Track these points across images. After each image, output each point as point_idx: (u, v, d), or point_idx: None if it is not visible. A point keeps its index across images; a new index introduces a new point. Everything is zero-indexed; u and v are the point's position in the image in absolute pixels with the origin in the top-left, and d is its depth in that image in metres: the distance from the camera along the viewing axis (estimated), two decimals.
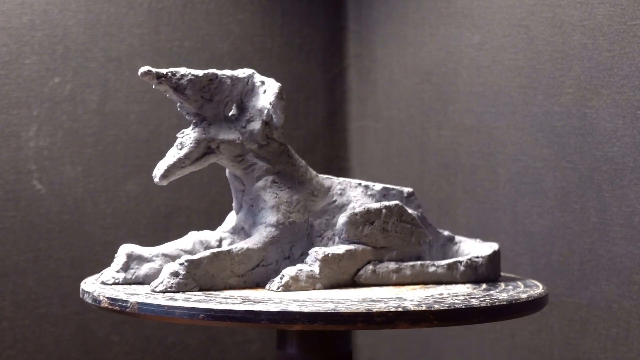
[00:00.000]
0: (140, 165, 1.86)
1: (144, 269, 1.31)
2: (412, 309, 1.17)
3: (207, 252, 1.28)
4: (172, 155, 1.32)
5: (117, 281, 1.31)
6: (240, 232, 1.37)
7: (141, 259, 1.32)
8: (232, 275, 1.29)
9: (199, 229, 1.91)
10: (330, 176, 1.41)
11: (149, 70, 1.28)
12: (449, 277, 1.38)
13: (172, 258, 1.32)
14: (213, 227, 1.93)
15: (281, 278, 1.30)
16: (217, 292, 1.26)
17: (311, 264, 1.31)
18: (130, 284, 1.31)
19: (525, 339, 1.76)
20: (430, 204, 1.91)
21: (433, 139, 1.91)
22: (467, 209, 1.85)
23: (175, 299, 1.20)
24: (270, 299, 1.23)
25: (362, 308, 1.17)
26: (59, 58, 1.79)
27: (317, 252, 1.32)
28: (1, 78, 1.74)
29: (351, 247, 1.34)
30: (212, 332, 1.93)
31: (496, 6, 1.79)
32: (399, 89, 1.98)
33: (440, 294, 1.28)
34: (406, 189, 1.43)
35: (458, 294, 1.29)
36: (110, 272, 1.32)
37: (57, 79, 1.79)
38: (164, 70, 1.30)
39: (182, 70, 1.31)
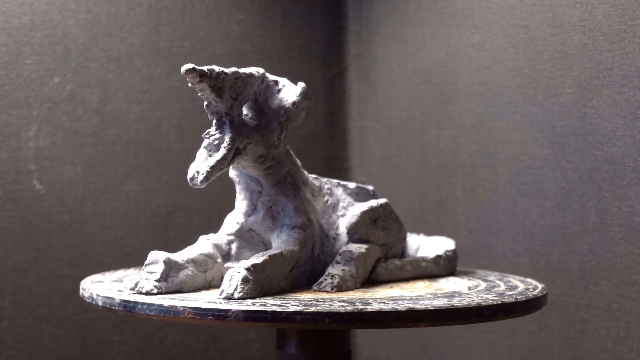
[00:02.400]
0: (140, 165, 1.86)
1: (181, 277, 1.26)
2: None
3: (265, 256, 1.25)
4: (203, 156, 1.27)
5: (160, 290, 1.25)
6: (246, 234, 1.34)
7: (176, 266, 1.27)
8: (282, 278, 1.28)
9: (198, 229, 1.91)
10: (316, 175, 1.41)
11: (193, 68, 1.24)
12: (435, 270, 1.45)
13: (199, 264, 1.28)
14: (213, 227, 1.93)
15: (332, 278, 1.29)
16: (287, 295, 1.24)
17: (346, 264, 1.32)
18: (170, 292, 1.25)
19: (525, 339, 1.76)
20: (430, 204, 1.91)
21: (433, 139, 1.91)
22: (467, 209, 1.85)
23: (286, 306, 1.17)
24: (353, 299, 1.23)
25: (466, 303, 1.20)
26: (59, 58, 1.79)
27: (350, 252, 1.33)
28: (1, 78, 1.74)
29: (367, 245, 1.36)
30: (212, 332, 1.93)
31: (496, 6, 1.79)
32: (399, 89, 1.98)
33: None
34: (370, 187, 1.45)
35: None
36: (151, 282, 1.25)
37: (57, 79, 1.79)
38: (204, 68, 1.25)
39: (216, 68, 1.27)
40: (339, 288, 1.29)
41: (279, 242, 1.31)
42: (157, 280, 1.25)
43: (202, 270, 1.28)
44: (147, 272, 1.26)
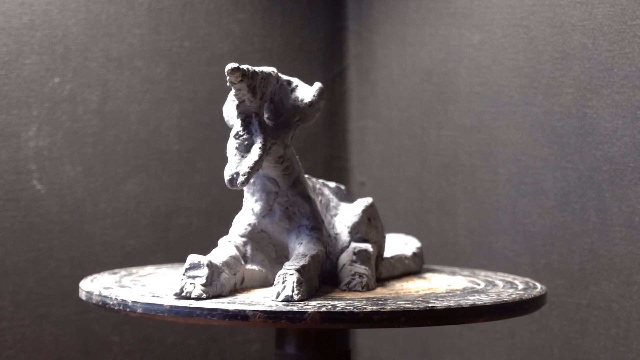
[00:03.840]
0: (140, 165, 1.86)
1: (221, 280, 1.24)
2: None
3: (307, 256, 1.25)
4: (237, 158, 1.25)
5: (208, 295, 1.21)
6: (257, 236, 1.32)
7: (217, 270, 1.24)
8: (317, 278, 1.28)
9: (198, 229, 1.91)
10: (308, 175, 1.40)
11: (238, 67, 1.22)
12: (414, 267, 1.48)
13: (231, 267, 1.26)
14: (213, 227, 1.93)
15: (360, 278, 1.29)
16: (326, 296, 1.24)
17: (363, 263, 1.32)
18: (215, 296, 1.22)
19: (525, 339, 1.76)
20: (430, 204, 1.91)
21: (433, 139, 1.91)
22: (467, 209, 1.85)
23: (362, 306, 1.17)
24: (398, 297, 1.24)
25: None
26: (59, 58, 1.79)
27: (367, 252, 1.33)
28: (1, 78, 1.74)
29: (371, 244, 1.37)
30: (212, 332, 1.93)
31: (496, 6, 1.79)
32: (399, 89, 1.98)
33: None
34: (342, 186, 1.46)
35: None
36: (198, 287, 1.21)
37: (57, 79, 1.79)
38: (244, 67, 1.24)
39: (250, 67, 1.25)
40: (368, 287, 1.30)
41: (306, 243, 1.30)
42: (203, 285, 1.21)
43: (232, 273, 1.27)
44: (190, 277, 1.22)
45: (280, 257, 1.33)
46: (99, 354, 1.83)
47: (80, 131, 1.81)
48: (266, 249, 1.33)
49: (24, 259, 1.77)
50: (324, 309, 1.15)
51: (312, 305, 1.16)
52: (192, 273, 1.22)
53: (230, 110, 1.33)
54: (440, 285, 1.36)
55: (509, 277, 1.46)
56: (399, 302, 1.19)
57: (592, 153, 1.65)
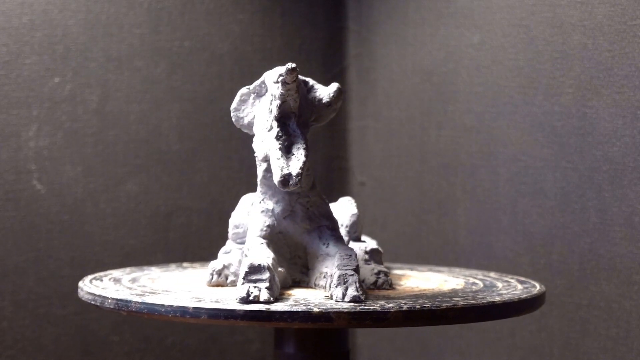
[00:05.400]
0: (140, 165, 1.86)
1: (276, 282, 1.23)
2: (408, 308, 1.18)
3: (354, 257, 1.25)
4: (283, 158, 1.23)
5: (274, 298, 1.19)
6: (274, 237, 1.31)
7: (273, 272, 1.22)
8: None
9: (198, 229, 1.91)
10: None
11: (296, 68, 1.22)
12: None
13: (275, 269, 1.26)
14: (213, 227, 1.93)
15: (385, 276, 1.31)
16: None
17: (378, 262, 1.33)
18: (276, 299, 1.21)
19: (525, 339, 1.76)
20: (430, 204, 1.91)
21: (433, 139, 1.91)
22: (467, 209, 1.85)
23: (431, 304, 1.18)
24: (420, 294, 1.25)
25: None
26: (59, 58, 1.79)
27: (378, 251, 1.35)
28: (1, 78, 1.74)
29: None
30: (212, 332, 1.93)
31: (496, 6, 1.79)
32: (399, 89, 1.98)
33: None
34: None
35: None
36: (264, 291, 1.18)
37: (57, 79, 1.79)
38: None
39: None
40: (391, 285, 1.31)
41: (334, 244, 1.29)
42: (268, 288, 1.19)
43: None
44: (252, 280, 1.20)
45: (293, 257, 1.31)
46: (99, 354, 1.83)
47: (80, 131, 1.81)
48: (281, 250, 1.32)
49: (24, 259, 1.77)
50: (405, 307, 1.15)
51: (392, 305, 1.16)
52: (254, 277, 1.20)
53: (243, 111, 1.32)
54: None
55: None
56: (456, 299, 1.21)
57: (592, 153, 1.65)
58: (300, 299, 1.21)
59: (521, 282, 1.41)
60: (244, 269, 1.20)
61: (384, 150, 2.01)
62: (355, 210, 1.40)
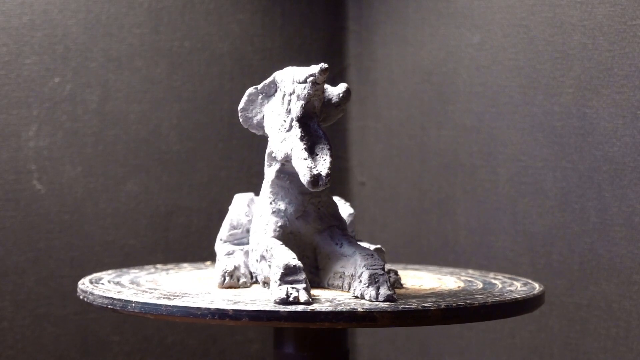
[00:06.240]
0: (140, 165, 1.86)
1: (308, 283, 1.22)
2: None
3: (377, 257, 1.25)
4: (309, 159, 1.23)
5: (311, 298, 1.19)
6: (285, 237, 1.30)
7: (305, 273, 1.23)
8: None
9: (198, 229, 1.91)
10: None
11: (328, 68, 1.22)
12: None
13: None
14: (213, 227, 1.93)
15: (396, 275, 1.31)
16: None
17: (384, 261, 1.33)
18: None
19: (525, 339, 1.76)
20: (430, 204, 1.91)
21: (433, 139, 1.91)
22: (467, 209, 1.85)
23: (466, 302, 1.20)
24: (432, 292, 1.26)
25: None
26: (59, 58, 1.79)
27: (381, 250, 1.36)
28: (1, 78, 1.74)
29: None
30: (212, 332, 1.93)
31: (496, 6, 1.79)
32: (399, 89, 1.98)
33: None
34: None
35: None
36: (303, 292, 1.18)
37: (57, 79, 1.79)
38: None
39: None
40: (401, 285, 1.32)
41: (348, 244, 1.29)
42: (305, 290, 1.19)
43: None
44: (289, 282, 1.19)
45: (302, 257, 1.29)
46: (99, 354, 1.83)
47: (80, 131, 1.81)
48: (291, 250, 1.31)
49: (24, 259, 1.77)
50: (443, 305, 1.16)
51: (429, 303, 1.17)
52: (290, 278, 1.19)
53: (251, 111, 1.31)
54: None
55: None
56: (477, 296, 1.23)
57: (592, 153, 1.65)
58: (330, 299, 1.20)
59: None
60: (278, 271, 1.20)
61: (384, 150, 2.01)
62: (351, 210, 1.40)
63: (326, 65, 1.22)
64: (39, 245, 1.78)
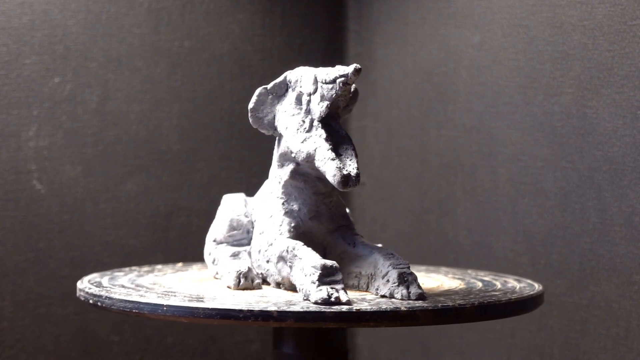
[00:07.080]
0: (140, 165, 1.86)
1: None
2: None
3: (398, 256, 1.26)
4: (337, 159, 1.23)
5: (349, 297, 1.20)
6: (298, 238, 1.29)
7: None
8: None
9: (198, 229, 1.91)
10: None
11: (361, 69, 1.23)
12: None
13: None
14: None
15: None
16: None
17: None
18: None
19: (525, 339, 1.76)
20: (430, 204, 1.91)
21: (433, 139, 1.91)
22: (467, 209, 1.85)
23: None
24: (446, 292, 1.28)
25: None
26: (59, 58, 1.79)
27: (384, 248, 1.35)
28: (1, 78, 1.74)
29: None
30: (212, 332, 1.93)
31: (496, 6, 1.79)
32: (399, 89, 1.98)
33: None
34: None
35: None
36: (342, 292, 1.18)
37: (57, 79, 1.79)
38: None
39: None
40: None
41: (361, 244, 1.29)
42: (344, 290, 1.19)
43: None
44: (328, 282, 1.19)
45: None
46: (99, 354, 1.83)
47: (80, 131, 1.81)
48: None
49: (24, 259, 1.77)
50: (476, 302, 1.18)
51: (463, 301, 1.19)
52: (329, 279, 1.19)
53: (262, 111, 1.31)
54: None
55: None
56: (501, 294, 1.26)
57: (592, 153, 1.65)
58: (360, 299, 1.21)
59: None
60: (315, 272, 1.19)
61: (384, 150, 2.01)
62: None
63: (359, 66, 1.22)
64: (39, 245, 1.78)
